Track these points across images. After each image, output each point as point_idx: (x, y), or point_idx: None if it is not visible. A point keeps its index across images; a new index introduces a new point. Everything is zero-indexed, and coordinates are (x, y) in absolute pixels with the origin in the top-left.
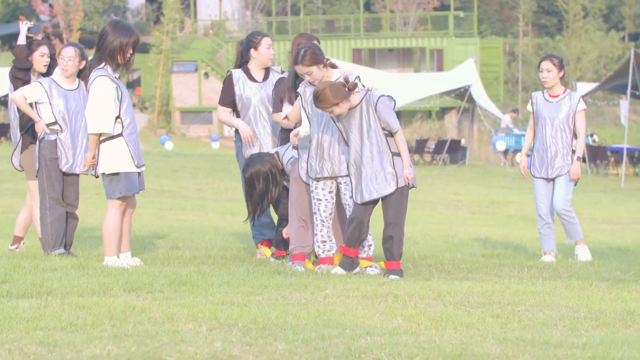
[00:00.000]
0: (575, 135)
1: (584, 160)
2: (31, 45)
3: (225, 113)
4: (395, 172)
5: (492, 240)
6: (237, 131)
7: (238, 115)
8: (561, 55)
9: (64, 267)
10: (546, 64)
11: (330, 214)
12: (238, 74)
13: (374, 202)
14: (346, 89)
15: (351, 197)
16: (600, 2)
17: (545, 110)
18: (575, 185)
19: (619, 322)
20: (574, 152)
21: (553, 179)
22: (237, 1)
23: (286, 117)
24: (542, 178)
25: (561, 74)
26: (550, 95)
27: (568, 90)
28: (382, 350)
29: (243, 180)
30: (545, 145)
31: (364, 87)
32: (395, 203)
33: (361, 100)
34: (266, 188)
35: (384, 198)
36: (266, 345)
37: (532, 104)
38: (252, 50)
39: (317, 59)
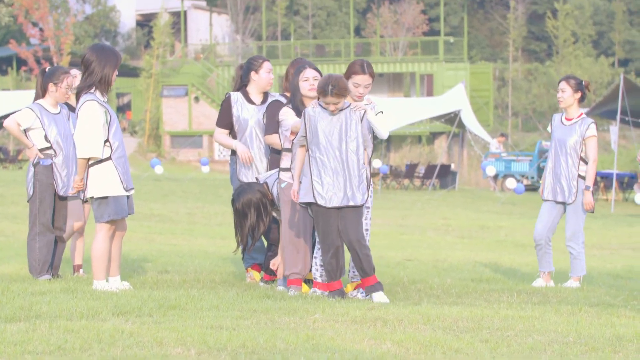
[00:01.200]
0: (584, 162)
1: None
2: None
3: (222, 135)
4: (366, 186)
5: (481, 265)
6: (232, 153)
7: (235, 137)
8: (551, 80)
9: (53, 291)
10: (561, 84)
11: None
12: (236, 96)
13: (336, 218)
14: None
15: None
16: (590, 28)
17: (558, 133)
18: (592, 211)
19: (608, 347)
20: (580, 177)
21: (562, 204)
22: (228, 25)
23: (275, 136)
24: (550, 201)
25: (577, 95)
26: (566, 118)
27: (583, 115)
28: None
29: (234, 211)
30: (554, 168)
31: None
32: (354, 221)
33: (345, 108)
34: (257, 218)
35: (342, 216)
36: None
37: (550, 125)
38: (252, 73)
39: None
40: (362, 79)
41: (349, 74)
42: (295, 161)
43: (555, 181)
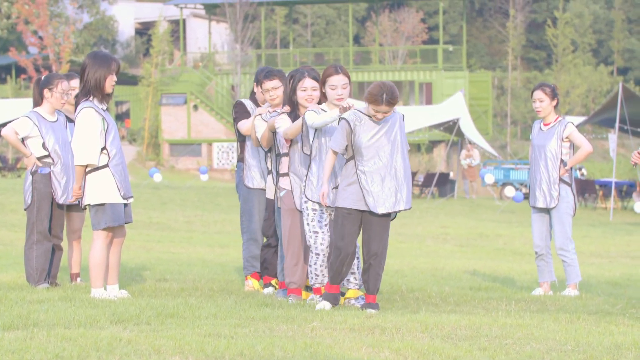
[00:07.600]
0: (565, 164)
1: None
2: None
3: (247, 121)
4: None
5: (480, 273)
6: (239, 160)
7: (243, 141)
8: None
9: (51, 299)
10: (538, 94)
11: (327, 247)
12: (248, 103)
13: (359, 229)
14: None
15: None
16: (589, 37)
17: (538, 139)
18: (573, 214)
19: (606, 355)
20: (562, 181)
21: (547, 210)
22: (227, 34)
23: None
24: (536, 207)
25: (554, 102)
26: (544, 124)
27: (560, 118)
28: None
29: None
30: (536, 174)
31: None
32: (378, 233)
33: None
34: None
35: (368, 227)
36: None
37: (532, 132)
38: (255, 85)
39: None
40: (338, 79)
41: (324, 78)
42: (326, 165)
43: (536, 188)
